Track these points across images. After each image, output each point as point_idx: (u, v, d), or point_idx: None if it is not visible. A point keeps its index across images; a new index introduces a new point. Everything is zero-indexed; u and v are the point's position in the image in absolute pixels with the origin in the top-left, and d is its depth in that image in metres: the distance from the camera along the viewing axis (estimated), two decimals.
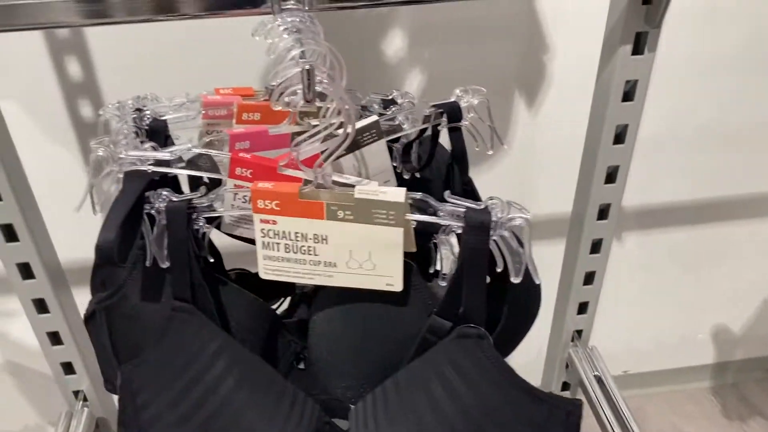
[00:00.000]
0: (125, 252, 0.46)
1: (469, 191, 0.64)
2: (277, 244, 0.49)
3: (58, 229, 0.81)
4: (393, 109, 0.64)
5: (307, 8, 0.54)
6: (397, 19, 0.96)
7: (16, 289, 0.76)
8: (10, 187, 0.69)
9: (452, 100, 0.60)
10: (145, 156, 0.50)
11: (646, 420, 1.49)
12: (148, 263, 0.51)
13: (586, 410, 0.63)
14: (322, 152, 0.48)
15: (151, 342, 0.53)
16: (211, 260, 0.54)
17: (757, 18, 1.05)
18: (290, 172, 0.49)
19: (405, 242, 0.47)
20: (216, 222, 0.53)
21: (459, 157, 0.60)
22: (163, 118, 0.58)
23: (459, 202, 0.46)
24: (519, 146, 1.10)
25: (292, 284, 0.68)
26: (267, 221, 0.48)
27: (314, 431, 0.52)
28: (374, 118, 0.55)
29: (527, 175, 1.14)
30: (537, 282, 0.47)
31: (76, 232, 0.82)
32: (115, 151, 0.50)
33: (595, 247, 0.86)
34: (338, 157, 0.48)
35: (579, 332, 0.94)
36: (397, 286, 0.49)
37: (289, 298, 0.67)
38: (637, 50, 0.70)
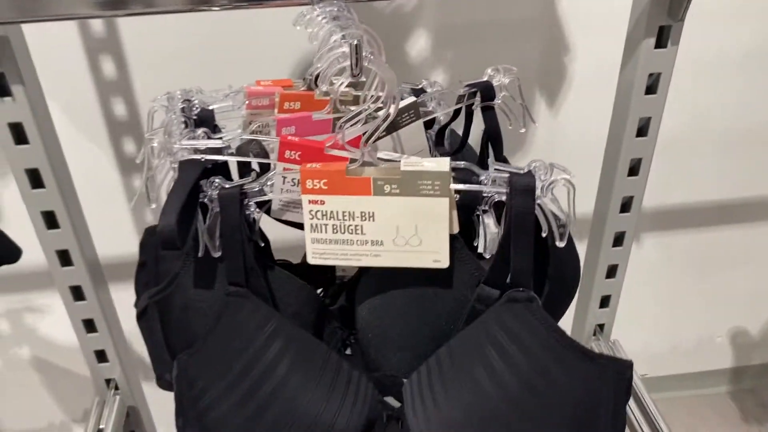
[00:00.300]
0: (184, 237, 0.48)
1: None
2: (325, 225, 0.51)
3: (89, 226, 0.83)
4: (424, 95, 0.66)
5: None
6: (421, 19, 0.99)
7: (54, 275, 0.78)
8: (54, 176, 0.71)
9: (484, 79, 0.62)
10: (198, 145, 0.53)
11: None
12: (200, 253, 0.53)
13: None
14: (364, 133, 0.50)
15: (206, 330, 0.54)
16: (262, 245, 0.56)
17: None
18: (336, 152, 0.51)
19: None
20: (265, 207, 0.55)
21: (493, 137, 0.61)
22: (210, 108, 0.61)
23: (503, 168, 0.48)
24: (540, 145, 1.11)
25: (333, 274, 0.70)
26: (315, 202, 0.50)
27: (369, 409, 0.53)
28: (412, 98, 0.57)
29: None
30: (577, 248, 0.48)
31: (107, 229, 0.84)
32: (169, 141, 0.52)
33: (618, 240, 0.87)
34: (380, 137, 0.51)
35: (601, 326, 0.95)
36: (444, 262, 0.50)
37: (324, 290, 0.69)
38: (660, 44, 0.72)
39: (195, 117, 0.59)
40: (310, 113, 0.57)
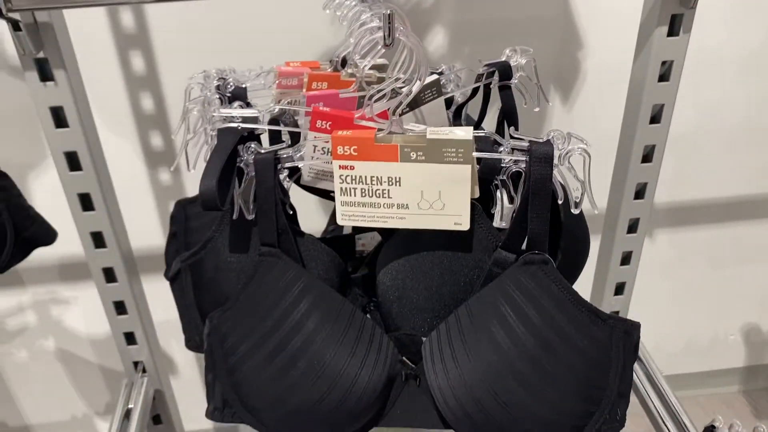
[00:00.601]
0: (223, 198, 0.51)
1: None
2: (354, 189, 0.54)
3: None
4: (443, 76, 0.69)
5: None
6: (439, 16, 1.02)
7: (88, 257, 0.81)
8: (91, 159, 0.74)
9: (503, 59, 0.65)
10: (236, 114, 0.56)
11: None
12: (234, 216, 0.56)
13: None
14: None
15: (238, 289, 0.57)
16: (291, 213, 0.59)
17: None
18: (365, 123, 0.54)
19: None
20: (295, 177, 0.58)
21: (509, 115, 0.64)
22: (243, 86, 0.64)
23: (522, 136, 0.51)
24: None
25: (353, 249, 0.73)
26: (345, 167, 0.53)
27: (390, 367, 0.56)
28: (435, 76, 0.60)
29: None
30: (596, 212, 0.51)
31: (132, 222, 0.87)
32: (208, 109, 0.56)
33: (632, 228, 0.90)
34: (404, 112, 0.53)
35: (616, 313, 0.97)
36: (465, 224, 0.53)
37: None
38: (673, 32, 0.74)
39: (228, 94, 0.62)
40: (337, 91, 0.61)
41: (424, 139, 0.51)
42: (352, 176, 0.53)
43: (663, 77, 0.78)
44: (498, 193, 0.53)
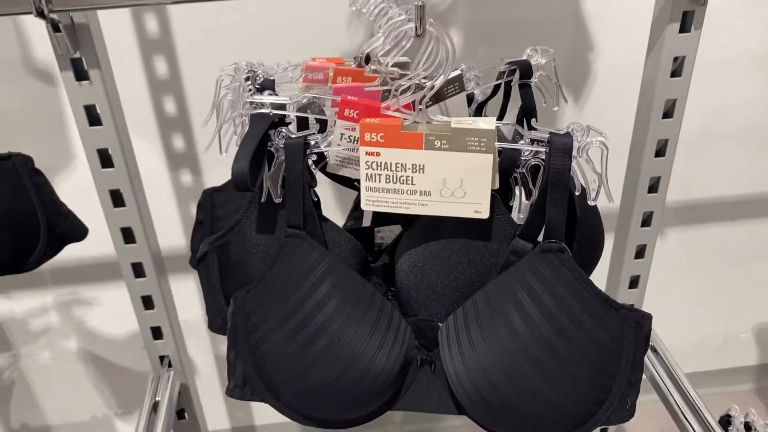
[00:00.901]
0: (254, 180, 0.54)
1: None
2: (379, 175, 0.56)
3: None
4: (464, 75, 0.72)
5: None
6: (454, 18, 1.05)
7: (118, 252, 0.83)
8: (122, 157, 0.77)
9: (523, 58, 0.68)
10: (267, 100, 0.59)
11: None
12: (263, 199, 0.59)
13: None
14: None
15: (263, 270, 0.60)
16: (315, 200, 0.61)
17: None
18: (391, 113, 0.56)
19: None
20: (321, 164, 0.61)
21: (528, 112, 0.67)
22: (272, 78, 0.67)
23: (543, 128, 0.53)
24: None
25: (372, 241, 0.75)
26: (372, 153, 0.55)
27: (406, 350, 0.58)
28: (458, 72, 0.63)
29: None
30: (612, 203, 0.53)
31: (154, 221, 0.90)
32: (242, 95, 0.58)
33: (646, 221, 0.91)
34: (428, 105, 0.56)
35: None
36: (485, 213, 0.56)
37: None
38: (684, 28, 0.77)
39: (258, 86, 0.65)
40: (362, 84, 0.63)
41: (449, 127, 0.53)
42: (377, 162, 0.56)
43: (675, 73, 0.80)
44: (516, 189, 0.55)
